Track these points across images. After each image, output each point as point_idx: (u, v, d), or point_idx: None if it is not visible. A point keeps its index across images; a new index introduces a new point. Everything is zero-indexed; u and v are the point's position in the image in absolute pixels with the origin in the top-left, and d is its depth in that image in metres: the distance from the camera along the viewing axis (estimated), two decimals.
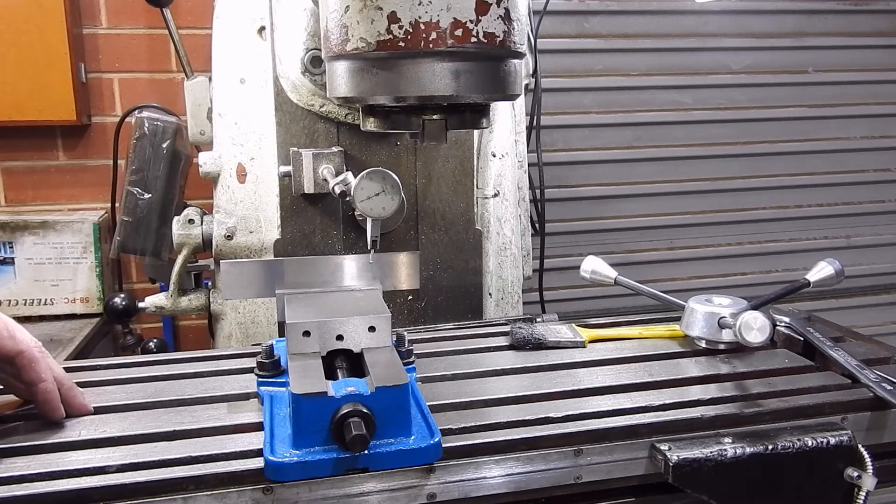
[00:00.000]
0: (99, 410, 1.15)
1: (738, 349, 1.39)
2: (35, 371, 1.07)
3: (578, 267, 1.55)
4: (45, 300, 2.20)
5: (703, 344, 1.41)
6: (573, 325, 1.52)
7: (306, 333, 1.17)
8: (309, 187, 1.56)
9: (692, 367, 1.34)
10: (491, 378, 1.30)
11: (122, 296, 1.77)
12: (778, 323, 1.48)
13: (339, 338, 1.18)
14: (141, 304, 1.73)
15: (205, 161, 1.63)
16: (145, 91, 2.44)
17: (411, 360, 1.25)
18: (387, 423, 0.99)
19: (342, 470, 0.98)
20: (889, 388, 1.18)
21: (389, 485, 1.00)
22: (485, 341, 1.47)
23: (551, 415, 1.12)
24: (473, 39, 1.02)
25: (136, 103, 2.27)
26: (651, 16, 2.79)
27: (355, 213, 1.59)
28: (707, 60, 2.86)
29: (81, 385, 1.25)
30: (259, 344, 1.26)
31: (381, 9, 1.02)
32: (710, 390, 1.23)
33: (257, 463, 0.97)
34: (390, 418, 1.00)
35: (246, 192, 1.63)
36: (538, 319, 1.58)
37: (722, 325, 1.37)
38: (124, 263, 2.44)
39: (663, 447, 1.07)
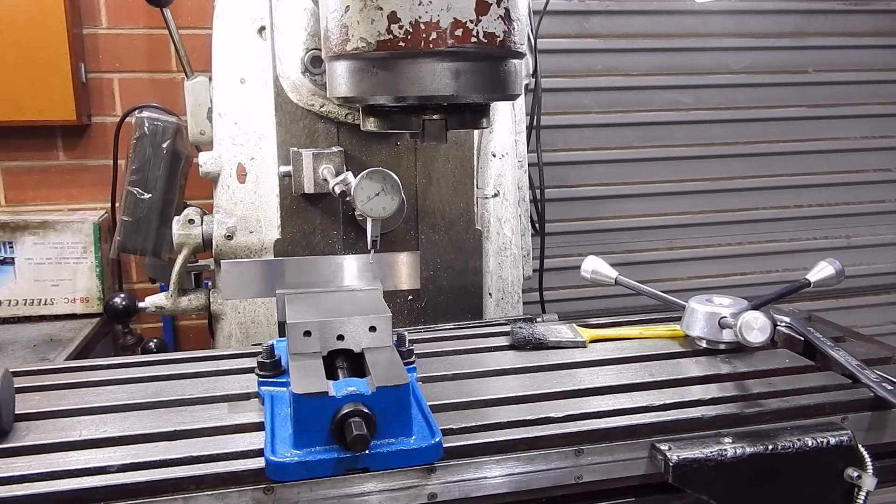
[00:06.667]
0: (99, 410, 1.15)
1: (739, 349, 1.39)
2: None
3: (578, 267, 1.55)
4: (45, 300, 2.20)
5: (703, 344, 1.41)
6: (573, 325, 1.52)
7: (307, 333, 1.17)
8: (309, 187, 1.56)
9: (692, 367, 1.34)
10: (491, 378, 1.30)
11: (122, 296, 1.76)
12: (778, 323, 1.48)
13: (340, 338, 1.18)
14: (141, 304, 1.73)
15: (205, 161, 1.63)
16: (145, 91, 2.44)
17: (412, 359, 1.25)
18: (388, 422, 0.99)
19: (343, 470, 0.98)
20: (889, 388, 1.17)
21: (390, 485, 1.01)
22: (485, 341, 1.47)
23: (552, 415, 1.12)
24: (473, 39, 1.02)
25: (136, 103, 2.27)
26: (651, 16, 2.79)
27: (355, 213, 1.59)
28: (707, 60, 2.86)
29: (81, 385, 1.25)
30: (259, 344, 1.26)
31: (381, 9, 1.02)
32: (711, 390, 1.23)
33: (258, 463, 0.97)
34: (391, 418, 1.00)
35: (246, 192, 1.63)
36: (538, 319, 1.58)
37: (722, 325, 1.37)
38: (124, 263, 2.44)
39: (663, 447, 1.07)
